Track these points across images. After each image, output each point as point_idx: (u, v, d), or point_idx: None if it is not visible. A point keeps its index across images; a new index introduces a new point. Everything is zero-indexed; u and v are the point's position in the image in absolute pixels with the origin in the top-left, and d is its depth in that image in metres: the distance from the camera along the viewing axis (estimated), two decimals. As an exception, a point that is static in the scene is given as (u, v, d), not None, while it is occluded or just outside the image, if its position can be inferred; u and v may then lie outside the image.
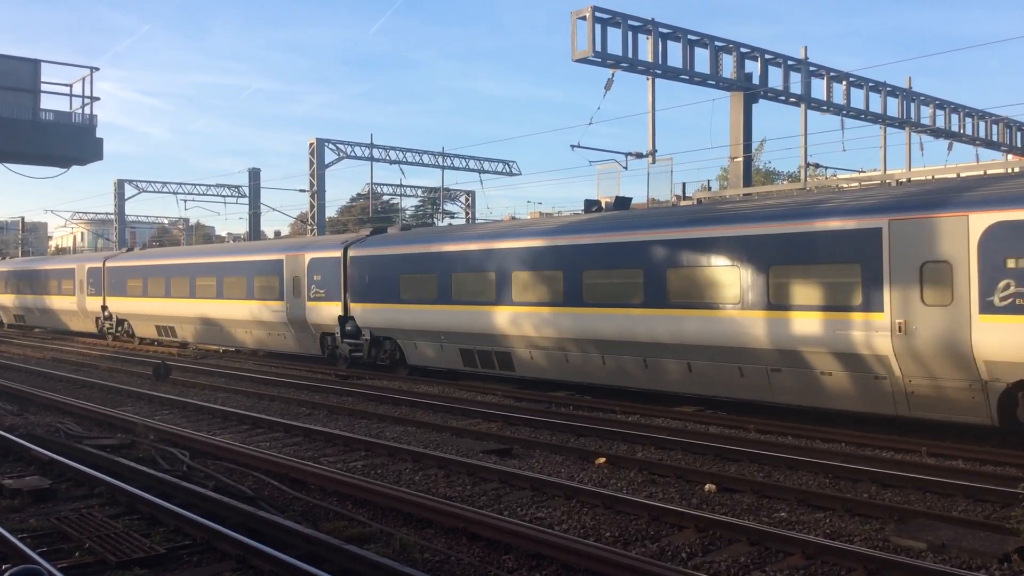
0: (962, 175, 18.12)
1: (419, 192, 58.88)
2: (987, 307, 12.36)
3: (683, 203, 21.90)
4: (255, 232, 51.07)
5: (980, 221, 12.49)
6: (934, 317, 12.95)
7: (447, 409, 17.20)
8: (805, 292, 14.60)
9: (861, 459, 12.19)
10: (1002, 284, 12.28)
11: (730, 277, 15.52)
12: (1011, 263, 12.21)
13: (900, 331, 13.28)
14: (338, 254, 24.49)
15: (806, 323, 14.45)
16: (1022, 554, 7.85)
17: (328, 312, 24.80)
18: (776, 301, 14.89)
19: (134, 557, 7.95)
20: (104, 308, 36.75)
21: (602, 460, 12.34)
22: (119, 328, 36.49)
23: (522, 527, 8.62)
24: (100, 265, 36.77)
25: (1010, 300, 12.13)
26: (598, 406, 17.49)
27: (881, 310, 13.50)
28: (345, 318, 24.34)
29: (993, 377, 12.48)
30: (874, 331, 13.56)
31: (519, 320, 19.29)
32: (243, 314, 28.16)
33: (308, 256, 25.60)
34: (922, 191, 14.14)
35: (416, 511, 9.49)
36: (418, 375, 22.83)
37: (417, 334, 22.21)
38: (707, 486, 10.81)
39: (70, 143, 17.29)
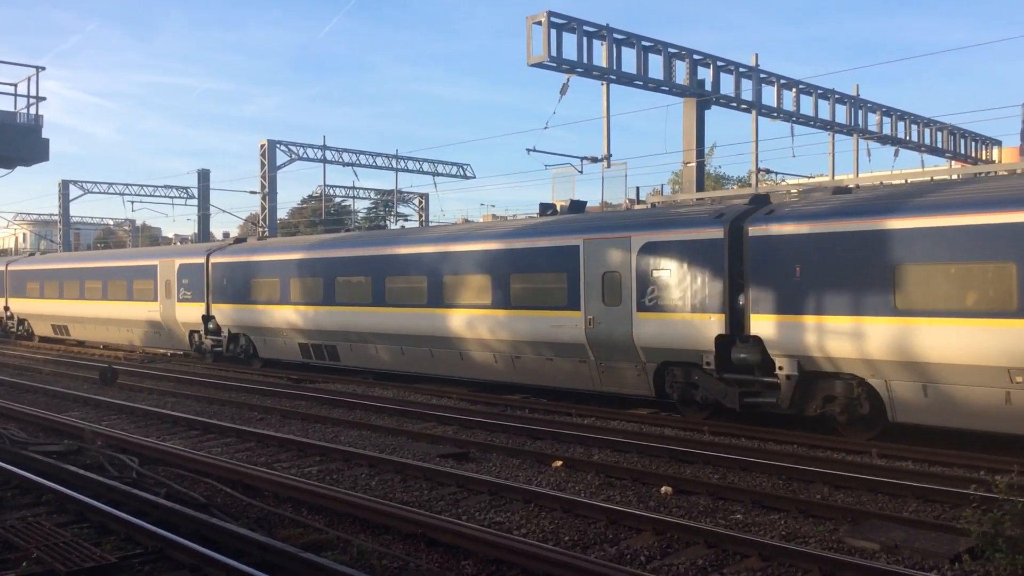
0: (909, 181, 18.54)
1: (372, 194, 58.53)
2: (641, 307, 16.23)
3: (637, 206, 22.08)
4: (204, 234, 50.34)
5: (638, 241, 16.34)
6: (611, 314, 16.70)
7: (402, 413, 17.09)
8: (537, 295, 18.19)
9: (814, 460, 12.36)
10: (649, 288, 16.10)
11: (484, 283, 19.18)
12: (654, 273, 16.06)
13: (590, 325, 17.05)
14: (202, 260, 27.62)
15: (535, 320, 18.10)
16: (973, 554, 8.01)
17: (193, 312, 27.88)
18: (516, 303, 18.50)
19: (84, 567, 7.75)
20: (7, 308, 39.71)
21: (559, 463, 12.35)
22: (20, 327, 39.15)
23: (481, 532, 8.59)
24: (3, 269, 39.95)
25: (654, 300, 16.04)
26: (553, 409, 17.52)
27: (579, 309, 17.24)
28: (208, 317, 27.39)
29: (648, 359, 16.32)
30: (574, 326, 17.30)
31: (340, 318, 22.78)
32: (125, 314, 31.18)
33: (178, 262, 28.76)
34: (608, 217, 19.04)
35: (373, 517, 9.40)
36: (270, 367, 25.91)
37: (265, 331, 25.53)
38: (663, 488, 10.87)
39: (15, 143, 16.85)
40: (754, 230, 14.73)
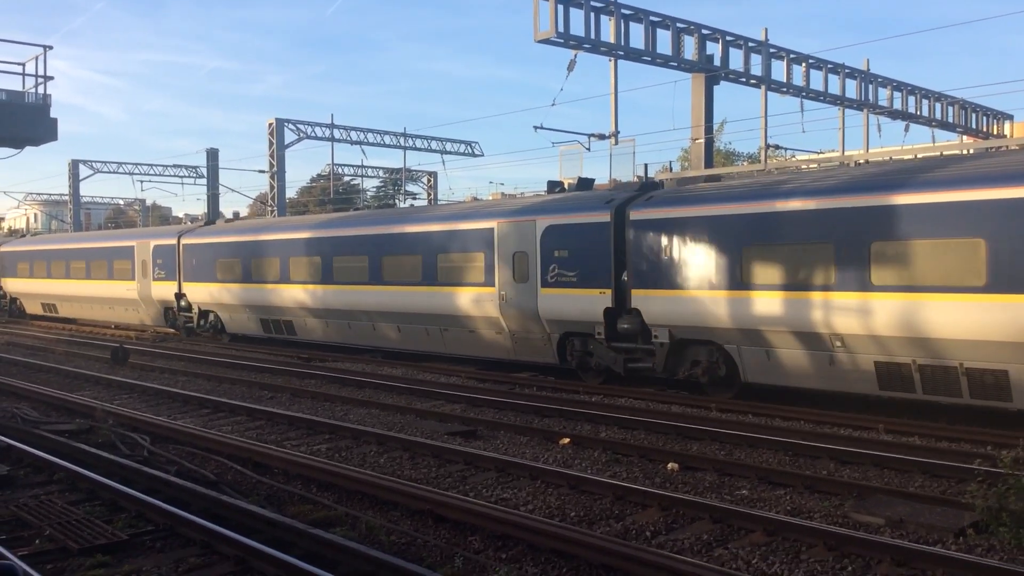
0: (919, 156, 18.44)
1: (380, 173, 58.47)
2: (545, 283, 18.05)
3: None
4: (213, 213, 50.40)
5: (541, 224, 18.22)
6: (520, 290, 18.55)
7: (411, 391, 17.18)
8: (459, 273, 19.84)
9: (820, 436, 12.40)
10: (551, 267, 17.90)
11: (415, 262, 20.87)
12: (556, 252, 17.83)
13: (503, 300, 18.82)
14: (174, 242, 29.37)
15: (460, 295, 19.75)
16: (977, 528, 8.05)
17: (167, 290, 29.79)
18: (443, 279, 20.19)
19: (96, 544, 7.87)
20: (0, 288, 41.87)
21: (566, 440, 12.42)
22: (12, 305, 41.24)
23: (488, 508, 8.66)
24: None
25: (555, 278, 17.82)
26: (561, 387, 17.58)
27: (493, 285, 18.99)
28: (180, 295, 29.36)
29: (552, 330, 18.25)
30: (490, 300, 19.05)
31: (296, 295, 24.56)
32: (106, 292, 33.05)
33: (153, 243, 30.52)
34: (519, 202, 20.58)
35: (382, 494, 9.49)
36: (237, 341, 27.79)
37: (230, 307, 27.43)
38: (670, 465, 10.93)
39: (23, 123, 16.88)
40: (634, 214, 16.64)
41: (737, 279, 15.02)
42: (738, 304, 15.01)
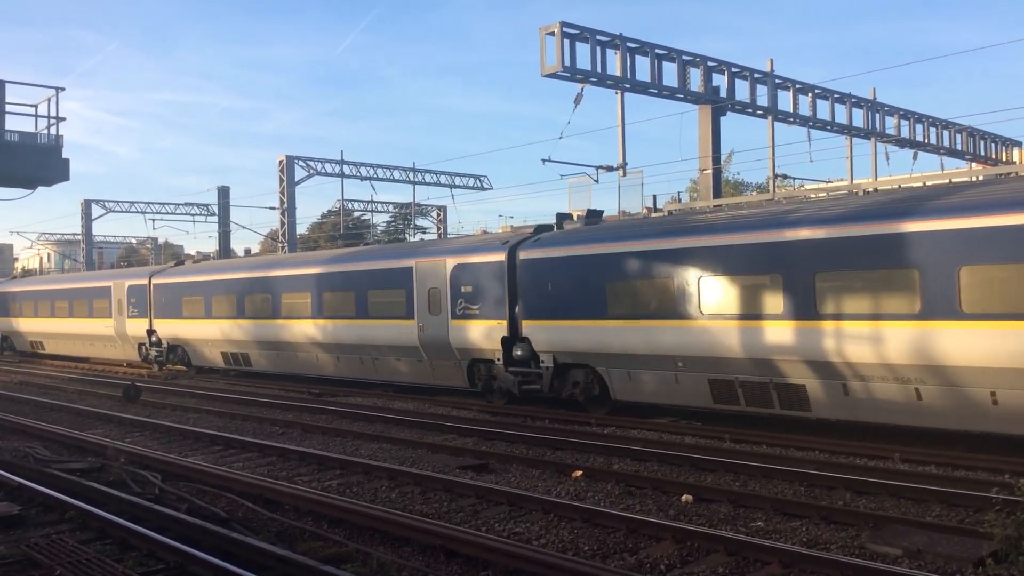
0: (928, 184, 18.44)
1: (391, 208, 58.77)
2: (454, 315, 20.07)
3: (654, 215, 22.05)
4: (224, 250, 50.71)
5: (451, 263, 20.35)
6: (435, 321, 20.55)
7: (421, 425, 17.12)
8: (386, 308, 21.94)
9: (835, 467, 12.27)
10: (459, 301, 19.96)
11: (350, 298, 23.08)
12: (462, 288, 19.92)
13: (421, 331, 20.84)
14: (146, 282, 31.68)
15: (386, 328, 21.90)
16: (996, 558, 7.92)
17: (140, 327, 31.96)
18: (373, 313, 22.37)
19: (106, 583, 7.82)
20: None
21: (579, 473, 12.33)
22: (3, 343, 43.43)
23: (500, 543, 8.58)
24: None
25: (461, 310, 19.89)
26: (572, 419, 17.50)
27: (413, 318, 21.07)
28: (151, 331, 31.40)
29: (462, 357, 20.24)
30: (411, 331, 21.12)
31: (250, 329, 26.51)
32: (87, 329, 35.29)
33: (127, 283, 32.82)
34: (434, 244, 24.56)
35: (393, 529, 9.42)
36: (203, 373, 29.90)
37: (195, 342, 29.58)
38: (684, 497, 10.83)
39: (36, 164, 17.06)
40: (523, 254, 18.94)
41: (603, 311, 17.21)
42: (604, 332, 17.23)
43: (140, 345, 32.35)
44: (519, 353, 18.84)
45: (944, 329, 12.72)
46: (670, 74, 26.85)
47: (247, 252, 63.45)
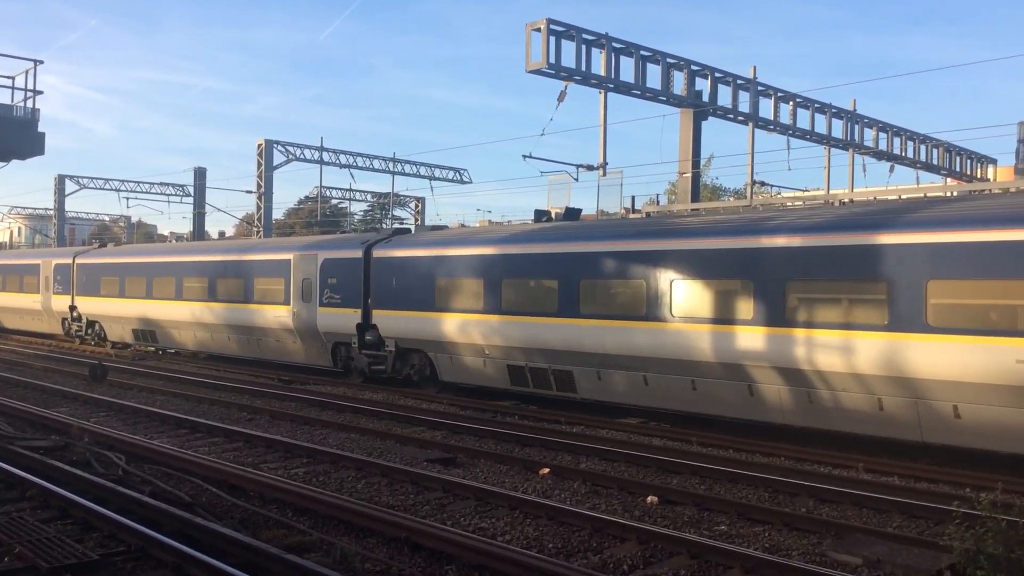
0: (903, 197, 18.62)
1: (368, 197, 58.53)
2: (322, 303, 23.00)
3: (632, 215, 22.13)
4: (199, 232, 50.30)
5: (321, 257, 23.26)
6: (306, 308, 23.42)
7: (391, 416, 17.08)
8: (268, 294, 24.79)
9: (800, 474, 12.38)
10: (326, 291, 22.88)
11: (238, 284, 25.97)
12: (329, 280, 22.83)
13: (295, 316, 23.72)
14: (70, 261, 33.78)
15: (268, 312, 24.68)
16: (954, 571, 8.02)
17: (63, 303, 34.12)
18: (258, 299, 25.08)
19: (66, 563, 7.73)
20: None
21: (546, 471, 12.36)
22: None
23: (465, 537, 8.59)
24: None
25: (327, 299, 22.83)
26: (543, 416, 17.53)
27: (289, 304, 23.95)
28: (72, 307, 33.59)
29: (327, 340, 23.24)
30: (287, 316, 23.99)
31: (158, 309, 29.14)
32: (19, 303, 37.52)
33: (54, 262, 34.85)
34: (310, 239, 27.02)
35: (358, 520, 9.40)
36: (118, 346, 32.07)
37: (111, 319, 32.03)
38: (649, 498, 10.88)
39: (10, 136, 16.82)
40: (375, 253, 21.85)
41: (431, 303, 20.13)
42: (434, 323, 20.07)
43: (63, 320, 34.63)
44: (369, 338, 21.92)
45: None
46: (654, 76, 26.94)
47: (221, 235, 62.94)
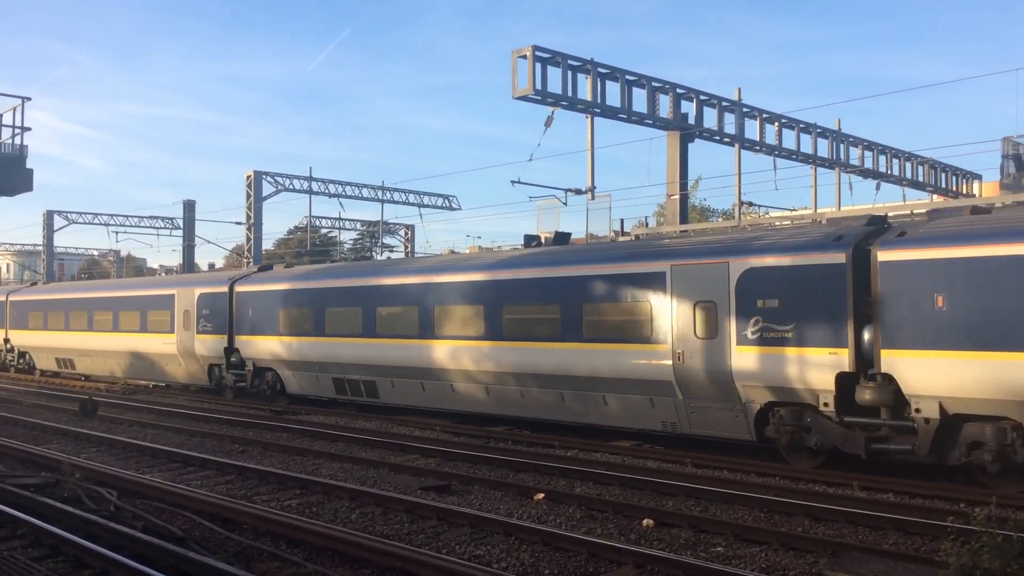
0: (891, 214, 18.71)
1: (358, 225, 58.57)
2: (199, 331, 26.74)
3: (621, 238, 22.21)
4: (188, 264, 50.23)
5: (197, 292, 27.23)
6: (187, 336, 27.24)
7: (384, 445, 17.01)
8: (158, 324, 28.53)
9: (795, 493, 12.37)
10: (201, 320, 26.67)
11: (135, 316, 29.64)
12: (203, 311, 26.71)
13: (180, 343, 27.52)
14: (3, 299, 38.12)
15: (156, 340, 28.55)
16: (951, 586, 7.99)
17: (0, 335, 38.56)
18: (151, 328, 28.92)
19: (57, 602, 7.66)
20: None
21: (541, 496, 12.31)
22: None
23: (460, 565, 8.54)
24: None
25: (202, 327, 26.70)
26: (536, 441, 17.48)
27: (173, 332, 27.86)
28: (7, 339, 37.83)
29: (204, 362, 26.77)
30: (172, 343, 27.87)
31: (74, 340, 32.87)
32: None
33: None
34: (190, 278, 31.08)
35: (352, 550, 9.33)
36: (47, 375, 35.62)
37: (36, 349, 36.13)
38: (645, 521, 10.85)
39: (-2, 173, 16.85)
40: (237, 288, 25.75)
41: (276, 329, 24.06)
42: (278, 345, 23.99)
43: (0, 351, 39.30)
44: (234, 359, 25.61)
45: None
46: (640, 100, 27.11)
47: (211, 267, 62.87)
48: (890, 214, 18.12)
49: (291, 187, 43.88)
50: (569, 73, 25.04)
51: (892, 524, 10.48)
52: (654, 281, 16.11)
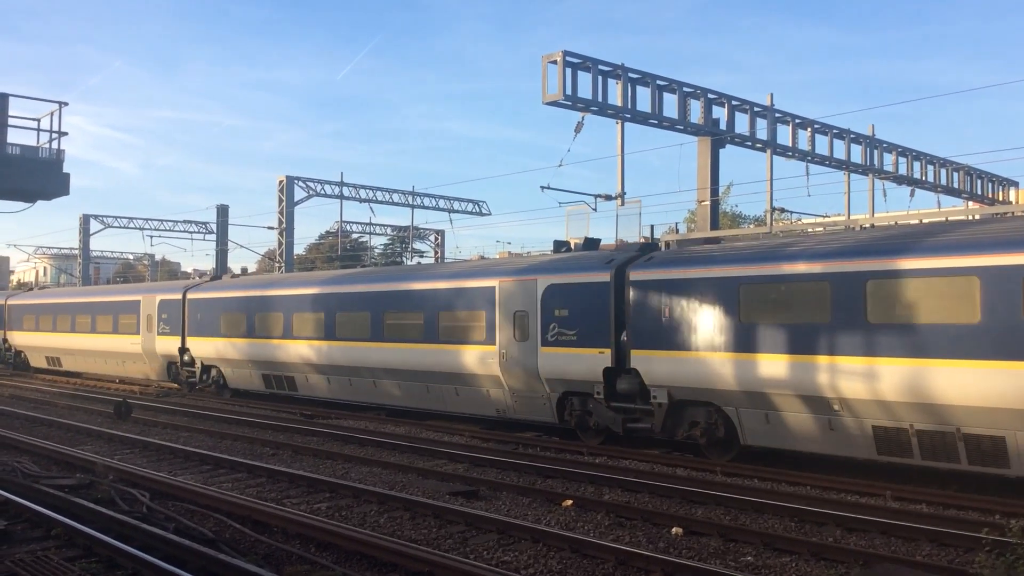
0: (924, 221, 18.52)
1: (389, 230, 58.85)
2: (159, 332, 30.46)
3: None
4: (221, 268, 50.69)
5: (158, 298, 30.61)
6: (150, 337, 31.02)
7: (413, 450, 17.06)
8: (125, 326, 32.26)
9: (826, 503, 12.24)
10: (160, 324, 30.32)
11: (87, 321, 34.65)
12: (162, 315, 30.26)
13: (143, 343, 31.34)
14: (2, 302, 42.35)
15: (121, 340, 32.51)
16: (985, 599, 7.88)
17: None
18: (122, 330, 32.54)
19: (90, 602, 7.76)
20: None
21: (569, 502, 12.28)
22: None
23: (488, 571, 8.54)
24: None
25: (161, 330, 30.47)
26: (564, 447, 17.45)
27: (139, 335, 31.48)
28: (4, 339, 41.99)
29: (163, 360, 30.65)
30: (138, 343, 31.55)
31: (62, 340, 36.60)
32: None
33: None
34: (145, 286, 36.06)
35: (381, 555, 9.37)
36: (41, 372, 38.95)
37: (29, 348, 39.91)
38: (674, 529, 10.79)
39: (36, 177, 17.09)
40: (189, 295, 29.08)
41: (218, 331, 27.50)
42: (219, 345, 27.51)
43: None
44: (186, 359, 29.27)
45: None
46: (670, 105, 27.01)
47: (244, 271, 63.34)
48: (923, 220, 17.99)
49: (322, 192, 44.24)
50: (599, 78, 25.01)
51: (925, 535, 10.34)
52: (487, 294, 19.27)
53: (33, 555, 9.36)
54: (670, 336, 15.79)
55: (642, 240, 20.71)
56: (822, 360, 13.76)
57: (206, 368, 28.56)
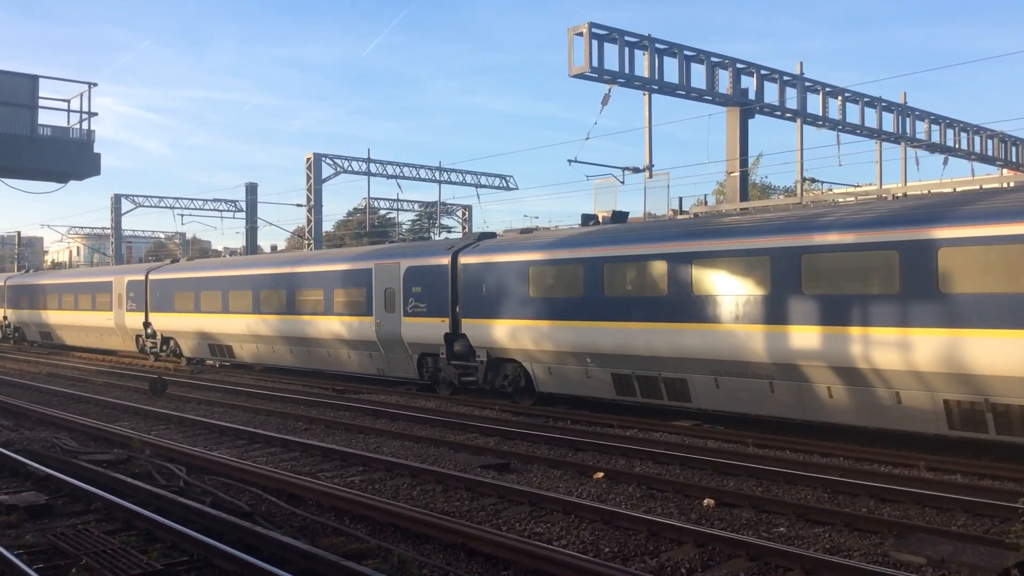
0: (958, 189, 18.28)
1: (416, 206, 58.94)
2: (128, 309, 34.80)
3: (680, 216, 21.99)
4: (251, 246, 51.09)
5: (126, 279, 34.85)
6: (119, 313, 35.56)
7: (444, 423, 17.17)
8: (101, 303, 36.87)
9: (860, 474, 12.18)
10: (128, 301, 34.60)
11: (89, 297, 38.14)
12: (129, 293, 34.76)
13: (115, 319, 35.83)
14: (2, 284, 47.29)
15: (98, 316, 37.29)
16: (1021, 569, 7.83)
17: None
18: (99, 307, 36.91)
19: (131, 573, 7.91)
20: None
21: (600, 475, 12.32)
22: None
23: (521, 543, 8.59)
24: None
25: (128, 306, 34.66)
26: (596, 420, 17.49)
27: (111, 311, 36.12)
28: (4, 317, 47.21)
29: (132, 333, 34.98)
30: (110, 319, 36.39)
31: (58, 318, 41.09)
32: None
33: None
34: (118, 268, 40.94)
35: (414, 526, 9.46)
36: (43, 347, 43.23)
37: (26, 325, 44.85)
38: (706, 501, 10.79)
39: (67, 158, 17.28)
40: (151, 276, 33.23)
41: (172, 307, 31.63)
42: (173, 320, 31.64)
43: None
44: (149, 332, 33.44)
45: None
46: (698, 76, 26.75)
47: (273, 248, 63.89)
48: (957, 189, 17.76)
49: (350, 169, 44.32)
50: (626, 50, 24.80)
51: (960, 505, 10.28)
52: (366, 275, 23.40)
53: (74, 529, 9.54)
54: (487, 307, 19.93)
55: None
56: (580, 324, 17.98)
57: (165, 339, 32.90)
